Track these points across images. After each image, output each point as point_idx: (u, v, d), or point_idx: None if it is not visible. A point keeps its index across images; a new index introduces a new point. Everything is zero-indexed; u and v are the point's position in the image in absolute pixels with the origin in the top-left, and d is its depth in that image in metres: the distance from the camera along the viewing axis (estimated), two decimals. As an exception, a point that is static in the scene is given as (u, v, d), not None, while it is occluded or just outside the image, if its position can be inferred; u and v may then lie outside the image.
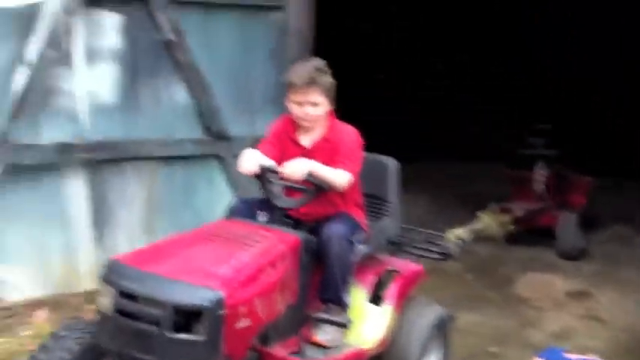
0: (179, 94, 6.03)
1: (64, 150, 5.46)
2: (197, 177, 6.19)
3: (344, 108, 4.16)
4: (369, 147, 4.06)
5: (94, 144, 5.60)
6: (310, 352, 3.74)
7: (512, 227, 7.98)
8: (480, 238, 7.63)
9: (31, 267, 5.44)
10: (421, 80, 13.52)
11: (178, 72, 5.98)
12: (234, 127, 6.20)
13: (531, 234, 8.15)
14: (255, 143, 3.99)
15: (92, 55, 5.62)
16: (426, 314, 4.25)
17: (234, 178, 6.07)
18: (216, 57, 6.17)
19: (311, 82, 3.84)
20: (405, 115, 12.50)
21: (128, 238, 5.75)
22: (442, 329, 4.37)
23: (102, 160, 5.67)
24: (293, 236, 3.67)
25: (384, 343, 4.00)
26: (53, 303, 5.35)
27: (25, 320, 5.14)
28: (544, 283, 6.75)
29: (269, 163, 3.80)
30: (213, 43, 6.16)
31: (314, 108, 3.88)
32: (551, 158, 8.37)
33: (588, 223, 8.17)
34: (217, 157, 6.17)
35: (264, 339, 3.53)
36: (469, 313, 5.85)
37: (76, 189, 5.61)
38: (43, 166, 5.40)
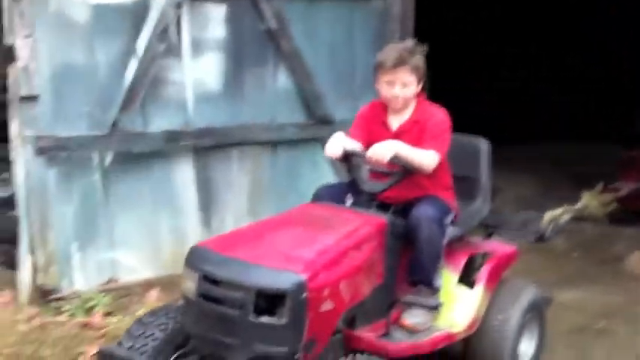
0: (282, 80, 6.13)
1: (172, 137, 5.65)
2: (301, 161, 6.28)
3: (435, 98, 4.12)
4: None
5: (200, 131, 5.77)
6: (399, 335, 3.70)
7: (615, 207, 7.71)
8: (581, 217, 7.36)
9: (143, 250, 5.67)
10: (497, 71, 13.29)
11: (282, 59, 6.07)
12: (337, 111, 6.24)
13: (637, 214, 7.86)
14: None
15: (198, 46, 5.77)
16: (521, 296, 4.16)
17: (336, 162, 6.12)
18: (318, 44, 6.23)
19: (400, 62, 3.81)
20: (481, 105, 12.17)
21: (234, 222, 5.86)
22: (538, 311, 4.29)
23: (208, 146, 5.83)
24: (378, 219, 3.64)
25: (475, 326, 3.95)
26: (164, 283, 5.53)
27: (139, 300, 5.37)
28: (655, 261, 6.52)
29: (355, 146, 3.81)
30: (316, 30, 6.21)
31: (403, 88, 3.85)
32: None
33: None
34: (321, 141, 6.20)
35: (351, 321, 3.53)
36: (576, 290, 5.75)
37: (184, 175, 5.80)
38: (152, 153, 5.61)
